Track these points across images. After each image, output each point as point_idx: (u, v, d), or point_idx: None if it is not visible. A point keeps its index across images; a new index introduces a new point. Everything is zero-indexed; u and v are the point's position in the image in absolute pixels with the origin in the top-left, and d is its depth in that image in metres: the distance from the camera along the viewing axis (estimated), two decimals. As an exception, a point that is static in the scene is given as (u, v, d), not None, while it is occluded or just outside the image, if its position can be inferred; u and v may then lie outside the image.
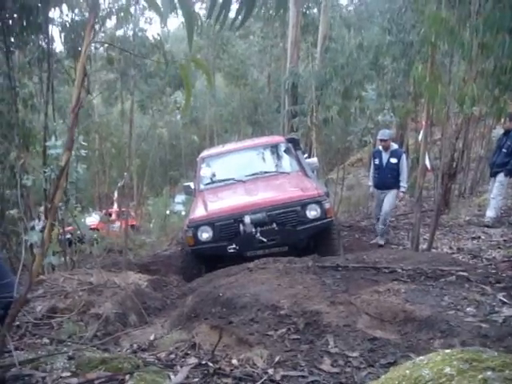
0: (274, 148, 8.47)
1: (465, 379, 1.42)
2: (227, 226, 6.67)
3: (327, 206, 6.77)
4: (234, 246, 6.55)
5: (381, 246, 8.17)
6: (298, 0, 15.91)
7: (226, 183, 7.87)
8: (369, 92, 11.95)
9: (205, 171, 8.25)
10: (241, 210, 6.67)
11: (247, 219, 6.51)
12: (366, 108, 11.86)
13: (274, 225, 6.54)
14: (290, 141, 8.70)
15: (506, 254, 6.84)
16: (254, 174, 7.84)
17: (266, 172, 7.90)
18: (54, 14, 9.04)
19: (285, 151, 8.32)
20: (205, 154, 8.98)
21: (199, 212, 7.06)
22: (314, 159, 9.61)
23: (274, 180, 7.66)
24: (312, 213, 6.64)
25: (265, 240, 6.47)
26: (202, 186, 8.09)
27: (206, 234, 6.70)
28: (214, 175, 8.09)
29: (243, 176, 7.82)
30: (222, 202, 7.21)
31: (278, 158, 8.31)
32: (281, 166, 8.11)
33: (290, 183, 7.41)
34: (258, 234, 6.47)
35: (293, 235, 6.62)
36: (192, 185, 8.62)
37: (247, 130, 30.28)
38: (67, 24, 8.14)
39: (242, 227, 6.57)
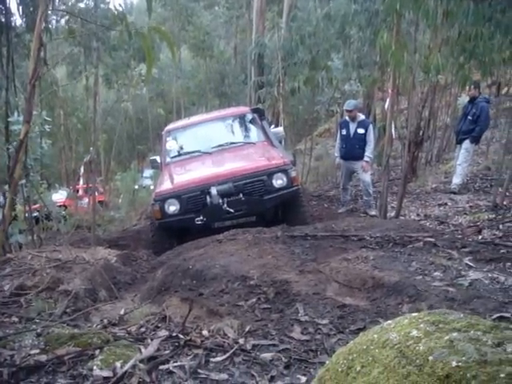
0: (240, 119, 8.44)
1: (431, 341, 1.44)
2: (194, 197, 6.64)
3: (293, 174, 6.78)
4: (201, 217, 6.53)
5: (373, 216, 8.07)
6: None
7: (192, 155, 7.81)
8: (335, 62, 11.94)
9: (170, 144, 8.16)
10: (207, 181, 6.64)
11: (214, 190, 6.47)
12: (333, 78, 11.85)
13: (241, 195, 6.53)
14: (255, 111, 8.64)
15: (472, 219, 6.97)
16: (219, 146, 7.79)
17: (232, 143, 7.85)
18: (11, -15, 8.77)
19: (250, 121, 8.29)
20: (170, 126, 8.90)
21: (166, 185, 7.01)
22: (280, 128, 9.61)
23: (240, 150, 7.64)
24: (278, 182, 6.64)
25: (232, 210, 6.46)
26: (168, 160, 8.03)
27: (173, 207, 6.67)
28: (180, 148, 8.02)
29: (209, 148, 7.76)
30: (189, 175, 7.17)
31: (244, 128, 8.28)
32: (247, 137, 8.11)
33: (255, 153, 7.39)
34: (225, 205, 6.45)
35: (260, 204, 6.63)
36: (158, 158, 8.55)
37: (214, 102, 30.01)
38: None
39: (208, 199, 6.53)
